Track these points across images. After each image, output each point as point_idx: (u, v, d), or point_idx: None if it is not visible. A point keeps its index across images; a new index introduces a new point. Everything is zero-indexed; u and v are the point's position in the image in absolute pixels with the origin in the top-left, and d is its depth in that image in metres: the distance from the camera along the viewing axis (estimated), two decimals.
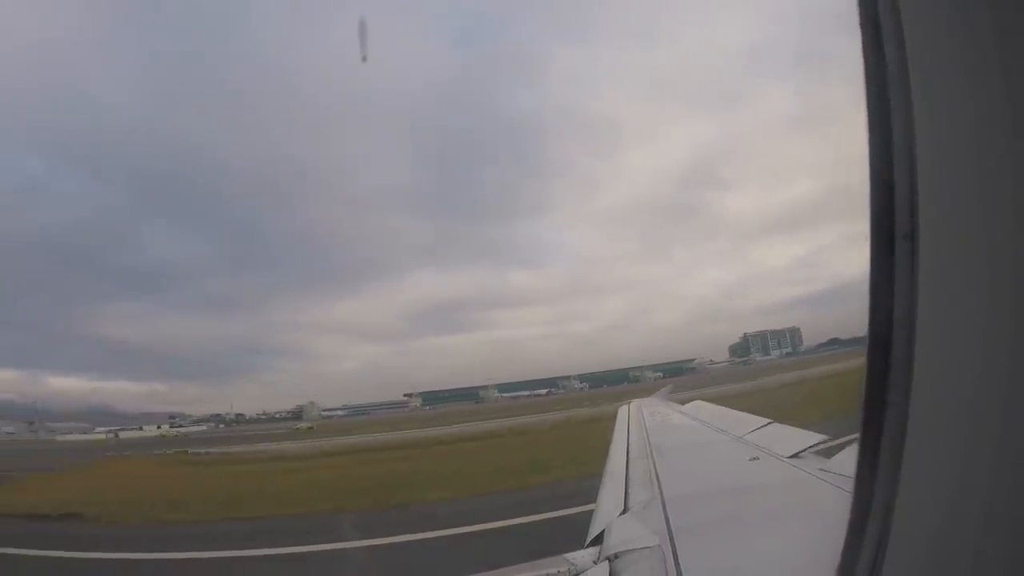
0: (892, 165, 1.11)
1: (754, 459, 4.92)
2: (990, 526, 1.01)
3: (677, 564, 2.59)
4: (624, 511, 3.95)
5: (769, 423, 6.38)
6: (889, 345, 1.13)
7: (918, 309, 1.08)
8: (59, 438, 56.23)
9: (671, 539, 2.92)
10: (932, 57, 1.05)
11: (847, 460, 3.38)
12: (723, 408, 10.49)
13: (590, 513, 4.27)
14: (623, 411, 11.68)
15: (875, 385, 1.17)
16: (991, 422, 0.99)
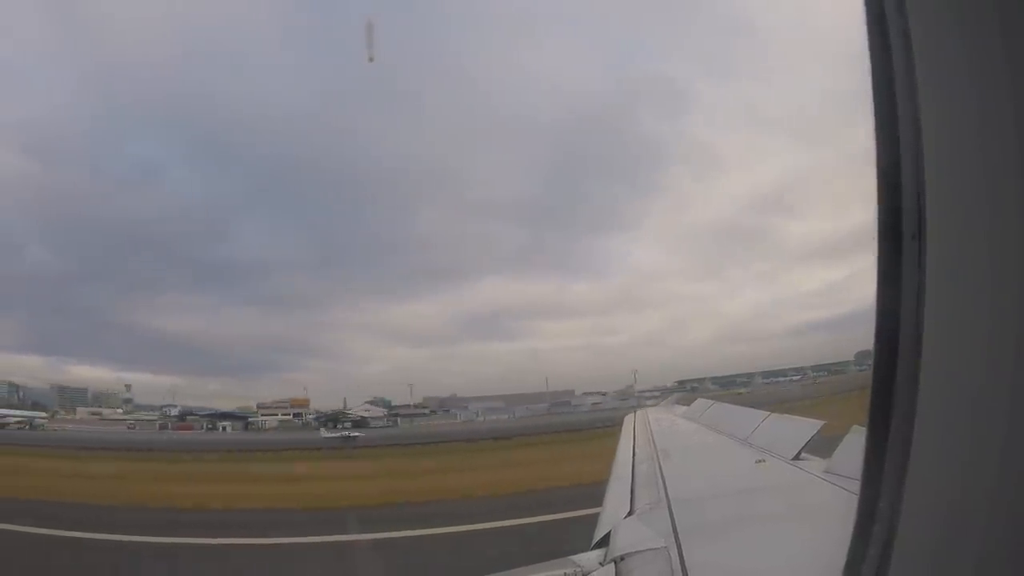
0: (899, 165, 1.11)
1: (760, 461, 4.92)
2: (996, 529, 1.00)
3: (683, 566, 2.57)
4: (630, 513, 3.94)
5: (768, 415, 6.56)
6: (896, 346, 1.13)
7: (925, 310, 1.07)
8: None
9: (677, 541, 2.91)
10: (938, 56, 1.05)
11: (851, 462, 3.36)
12: (724, 405, 10.52)
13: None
14: (628, 418, 11.69)
15: (881, 386, 1.16)
16: (997, 424, 0.98)
